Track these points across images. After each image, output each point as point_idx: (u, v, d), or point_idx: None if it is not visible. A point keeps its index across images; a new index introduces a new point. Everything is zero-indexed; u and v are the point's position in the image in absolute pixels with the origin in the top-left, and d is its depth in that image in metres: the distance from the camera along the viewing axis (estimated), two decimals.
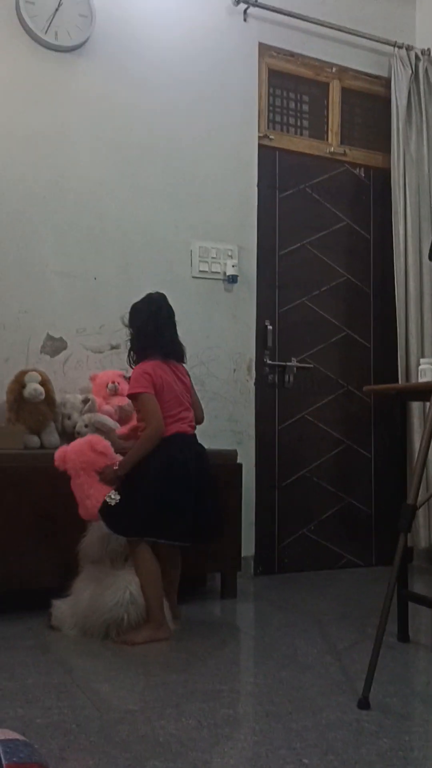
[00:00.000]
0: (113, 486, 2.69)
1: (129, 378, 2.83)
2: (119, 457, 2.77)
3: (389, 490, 4.09)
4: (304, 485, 3.96)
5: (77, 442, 2.83)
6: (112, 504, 2.62)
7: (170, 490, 2.64)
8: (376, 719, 1.92)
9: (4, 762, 1.15)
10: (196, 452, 2.78)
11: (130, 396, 2.77)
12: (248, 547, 3.65)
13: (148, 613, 2.61)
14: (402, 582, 2.62)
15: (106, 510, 2.64)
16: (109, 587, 2.59)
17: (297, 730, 1.85)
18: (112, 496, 2.64)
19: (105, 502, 2.64)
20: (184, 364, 2.90)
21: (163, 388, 2.71)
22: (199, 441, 2.86)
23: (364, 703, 2.00)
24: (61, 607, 2.71)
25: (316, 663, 2.40)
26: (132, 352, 2.84)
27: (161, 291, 2.97)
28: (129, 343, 2.88)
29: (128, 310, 2.91)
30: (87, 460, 2.75)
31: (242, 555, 3.38)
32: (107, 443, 2.82)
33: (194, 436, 2.82)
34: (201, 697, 2.08)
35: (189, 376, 2.91)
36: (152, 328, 2.80)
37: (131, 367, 2.83)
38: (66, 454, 2.77)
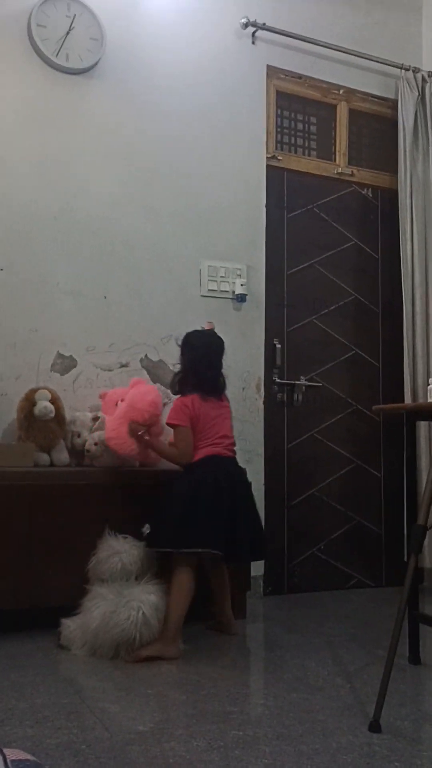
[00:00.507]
0: (133, 437, 2.94)
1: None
2: (159, 427, 3.04)
3: (399, 510, 4.06)
4: (314, 504, 3.94)
5: (147, 387, 3.15)
6: (145, 535, 2.81)
7: (200, 505, 2.77)
8: (387, 743, 1.90)
9: None
10: (228, 472, 2.91)
11: (169, 424, 2.94)
12: (257, 566, 3.63)
13: (164, 629, 2.65)
14: (413, 603, 2.60)
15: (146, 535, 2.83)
16: (122, 606, 2.58)
17: (308, 753, 1.83)
18: (144, 530, 2.82)
19: (141, 532, 2.83)
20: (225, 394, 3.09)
21: (198, 419, 2.91)
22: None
23: (375, 726, 1.98)
24: (70, 627, 2.70)
25: (327, 685, 2.38)
26: (177, 381, 3.03)
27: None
28: (178, 368, 3.09)
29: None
30: (135, 404, 2.99)
31: (251, 575, 3.37)
32: (158, 411, 3.04)
33: (230, 458, 2.98)
34: (211, 718, 2.06)
35: (228, 402, 3.09)
36: (199, 367, 2.99)
37: (173, 392, 3.06)
38: (135, 385, 3.11)
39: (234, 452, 3.02)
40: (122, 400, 3.11)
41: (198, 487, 2.81)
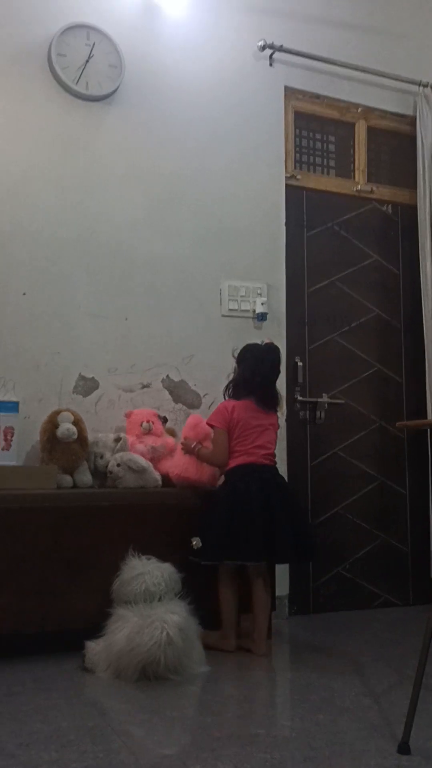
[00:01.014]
0: (187, 453, 3.14)
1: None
2: (208, 441, 3.19)
3: (426, 527, 4.02)
4: (338, 523, 3.91)
5: (199, 418, 3.29)
6: (195, 548, 2.95)
7: (235, 515, 2.94)
8: (417, 764, 1.87)
9: None
10: (263, 479, 3.05)
11: (207, 424, 3.16)
12: (282, 586, 3.61)
13: (221, 625, 3.00)
14: None
15: (193, 550, 2.97)
16: (146, 627, 2.57)
17: None
18: (194, 543, 2.95)
19: (192, 546, 2.96)
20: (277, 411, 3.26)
21: (237, 425, 3.09)
22: None
23: (404, 748, 1.95)
24: (94, 649, 2.69)
25: (354, 706, 2.35)
26: (229, 388, 3.25)
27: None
28: (231, 377, 3.29)
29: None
30: (186, 430, 3.23)
31: (276, 594, 3.34)
32: (201, 423, 3.22)
33: (266, 466, 3.11)
34: (237, 741, 2.04)
35: (277, 418, 3.24)
36: (250, 377, 3.16)
37: (225, 397, 3.26)
38: (193, 420, 3.28)
39: (271, 461, 3.15)
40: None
41: (232, 498, 2.99)
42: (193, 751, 1.97)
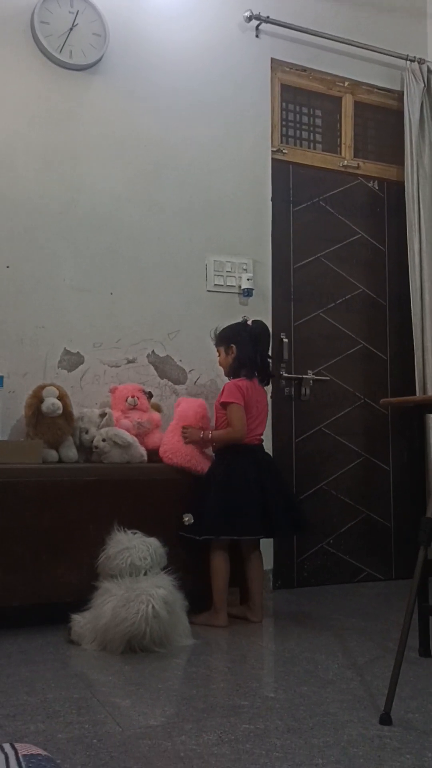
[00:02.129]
0: (192, 443, 3.15)
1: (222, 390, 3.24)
2: (208, 428, 3.24)
3: (408, 502, 4.06)
4: (323, 498, 3.94)
5: (193, 399, 3.32)
6: (187, 525, 3.02)
7: (231, 494, 3.03)
8: (398, 735, 1.90)
9: None
10: (257, 460, 3.15)
11: (224, 404, 3.15)
12: (267, 561, 3.63)
13: (212, 601, 3.04)
14: (422, 596, 2.59)
15: (185, 525, 3.03)
16: (131, 601, 2.58)
17: (319, 746, 1.83)
18: (186, 520, 3.03)
19: (183, 523, 3.03)
20: (265, 386, 3.31)
21: (246, 405, 3.14)
22: None
23: (386, 719, 1.98)
24: (80, 622, 2.71)
25: (337, 678, 2.38)
26: (234, 368, 3.24)
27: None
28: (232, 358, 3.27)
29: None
30: (185, 414, 3.21)
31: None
32: (206, 413, 3.26)
33: (256, 445, 3.21)
34: (221, 712, 2.07)
35: (266, 395, 3.32)
36: (252, 354, 3.21)
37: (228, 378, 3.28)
38: (181, 402, 3.29)
39: (260, 440, 3.23)
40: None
41: (231, 477, 3.06)
42: (178, 722, 1.99)
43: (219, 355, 3.32)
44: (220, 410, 3.21)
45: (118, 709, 2.08)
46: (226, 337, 3.27)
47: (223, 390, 3.21)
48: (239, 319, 3.47)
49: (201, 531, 3.01)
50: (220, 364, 3.33)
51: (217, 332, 3.32)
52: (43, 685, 2.27)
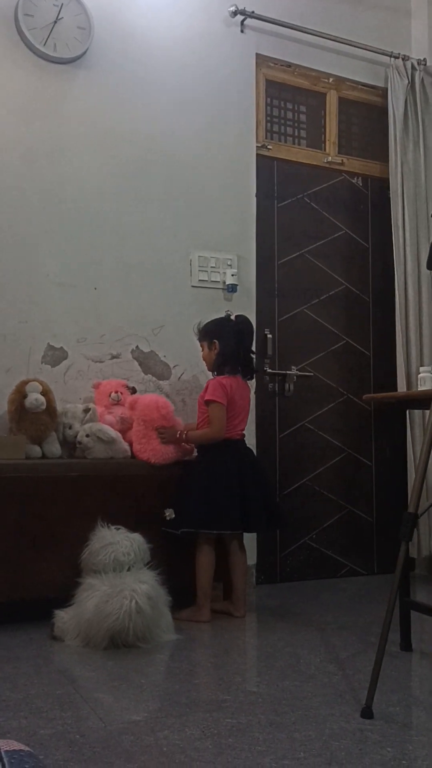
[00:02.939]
0: (169, 444, 3.13)
1: (206, 386, 3.23)
2: (178, 420, 3.27)
3: (390, 498, 4.09)
4: (305, 494, 3.96)
5: (148, 397, 3.25)
6: (168, 520, 3.02)
7: (212, 488, 3.04)
8: (379, 728, 1.92)
9: None
10: (239, 455, 3.17)
11: (207, 401, 3.13)
12: (250, 555, 3.63)
13: (195, 597, 3.04)
14: (404, 590, 2.61)
15: (166, 521, 3.03)
16: (115, 596, 2.59)
17: (301, 739, 1.84)
18: (167, 515, 3.02)
19: (165, 518, 3.03)
20: (249, 380, 3.32)
21: (230, 402, 3.14)
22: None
23: (367, 713, 1.99)
24: (63, 618, 2.70)
25: (319, 672, 2.40)
26: (218, 365, 3.24)
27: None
28: (215, 353, 3.26)
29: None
30: (149, 416, 3.14)
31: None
32: (171, 408, 3.21)
33: (239, 441, 3.22)
34: (204, 707, 2.08)
35: (250, 390, 3.34)
36: (235, 350, 3.21)
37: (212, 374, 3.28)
38: (137, 402, 3.19)
39: (242, 435, 3.24)
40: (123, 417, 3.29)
41: (213, 472, 3.08)
42: (161, 717, 2.00)
43: (202, 350, 3.31)
44: (202, 406, 3.20)
45: (100, 705, 2.08)
46: (209, 332, 3.26)
47: (207, 386, 3.20)
48: (223, 314, 3.47)
49: (181, 524, 3.01)
50: (204, 359, 3.32)
51: (200, 327, 3.31)
52: (25, 681, 2.27)
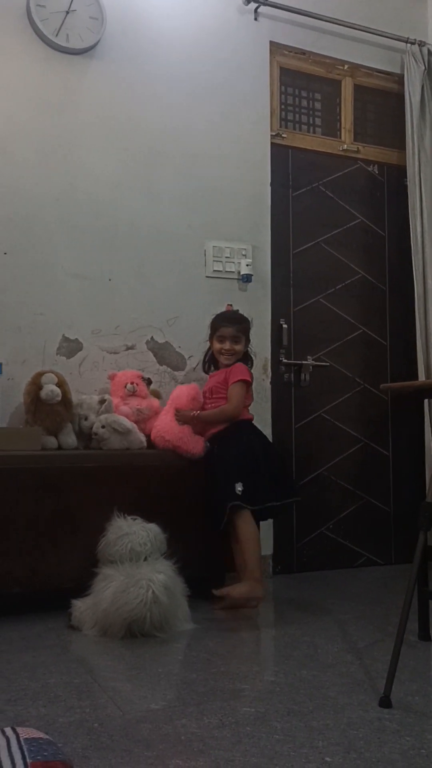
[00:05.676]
0: (185, 424, 3.18)
1: (229, 369, 3.28)
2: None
3: (408, 488, 4.07)
4: (322, 484, 3.95)
5: (189, 385, 3.33)
6: (240, 493, 3.01)
7: (246, 465, 3.10)
8: (397, 718, 1.91)
9: (29, 760, 1.15)
10: (257, 434, 3.30)
11: (241, 380, 3.21)
12: (266, 546, 3.65)
13: (247, 572, 2.99)
14: (422, 580, 2.60)
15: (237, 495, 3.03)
16: (132, 586, 2.59)
17: (319, 728, 1.84)
18: (238, 488, 3.02)
19: (234, 493, 3.01)
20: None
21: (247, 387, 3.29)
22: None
23: (385, 702, 1.99)
24: (80, 607, 2.71)
25: (337, 662, 2.39)
26: (208, 360, 3.43)
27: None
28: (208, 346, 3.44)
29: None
30: (180, 397, 3.24)
31: (261, 554, 3.38)
32: (200, 395, 3.30)
33: (252, 421, 3.34)
34: (222, 695, 2.08)
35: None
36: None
37: (205, 370, 3.48)
38: (180, 390, 3.31)
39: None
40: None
41: (247, 449, 3.16)
42: (178, 705, 2.00)
43: (237, 343, 3.28)
44: (222, 391, 3.24)
45: (118, 693, 2.09)
46: (248, 328, 3.39)
47: (232, 370, 3.24)
48: (230, 308, 3.59)
49: (257, 500, 3.05)
50: (234, 351, 3.28)
51: (241, 321, 3.37)
52: (44, 670, 2.28)
